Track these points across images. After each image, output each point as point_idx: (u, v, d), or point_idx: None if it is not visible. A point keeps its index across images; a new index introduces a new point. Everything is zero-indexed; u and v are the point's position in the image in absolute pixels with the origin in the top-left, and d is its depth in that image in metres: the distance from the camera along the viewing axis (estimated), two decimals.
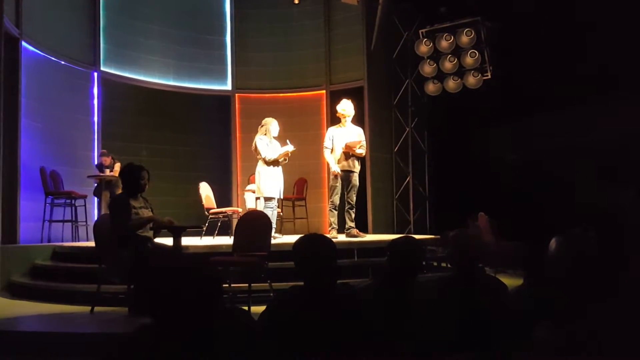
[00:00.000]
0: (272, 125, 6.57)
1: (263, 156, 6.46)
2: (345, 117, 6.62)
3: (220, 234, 7.43)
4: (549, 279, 2.06)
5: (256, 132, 6.70)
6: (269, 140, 6.54)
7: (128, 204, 4.40)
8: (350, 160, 6.56)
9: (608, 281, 1.88)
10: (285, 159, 6.58)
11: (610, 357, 1.70)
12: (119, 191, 7.26)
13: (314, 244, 2.24)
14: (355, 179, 6.61)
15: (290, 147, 6.50)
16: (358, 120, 7.08)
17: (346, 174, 6.55)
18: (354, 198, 6.62)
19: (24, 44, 7.08)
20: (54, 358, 3.60)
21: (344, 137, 6.56)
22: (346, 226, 6.62)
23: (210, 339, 1.56)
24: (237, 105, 9.76)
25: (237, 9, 9.79)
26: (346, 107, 6.63)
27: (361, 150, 6.59)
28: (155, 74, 9.20)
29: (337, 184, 6.56)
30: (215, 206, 7.62)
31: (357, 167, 6.63)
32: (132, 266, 4.20)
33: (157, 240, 4.66)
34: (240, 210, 7.93)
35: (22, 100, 6.95)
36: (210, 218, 7.38)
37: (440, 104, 8.82)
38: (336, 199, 6.59)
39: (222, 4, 9.85)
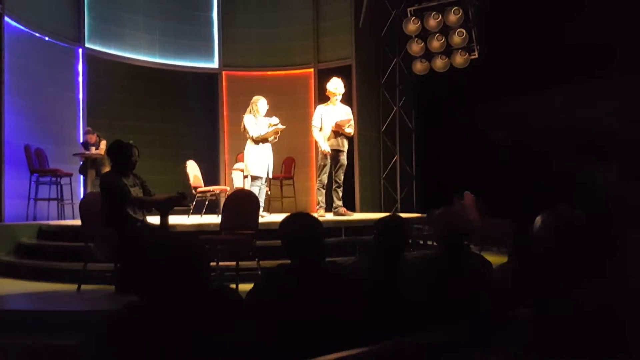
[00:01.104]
0: (259, 103, 6.52)
1: (251, 135, 6.44)
2: (335, 96, 6.59)
3: (207, 212, 7.43)
4: (535, 256, 2.09)
5: (244, 110, 6.65)
6: (256, 118, 6.50)
7: (120, 180, 4.36)
8: (339, 139, 6.55)
9: (596, 259, 1.90)
10: (275, 137, 6.56)
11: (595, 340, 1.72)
12: (105, 169, 7.22)
13: (300, 222, 2.26)
14: (344, 158, 6.62)
15: (275, 120, 6.46)
16: (346, 99, 7.05)
17: (335, 153, 6.55)
18: (342, 177, 6.63)
19: (6, 19, 6.92)
20: (41, 336, 3.60)
21: (333, 115, 6.54)
22: (334, 205, 6.66)
23: (198, 316, 1.57)
24: (224, 83, 9.67)
25: None
26: (337, 86, 6.59)
27: (350, 130, 6.59)
28: (141, 51, 9.06)
29: (326, 163, 6.56)
30: (203, 185, 7.59)
31: (345, 146, 6.63)
32: (119, 245, 4.20)
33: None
34: (227, 189, 7.92)
35: (6, 76, 6.83)
36: (198, 197, 7.36)
37: (427, 83, 8.81)
38: (324, 177, 6.60)
39: None
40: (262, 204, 6.42)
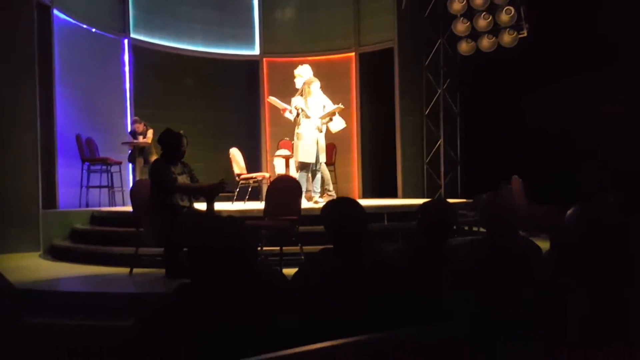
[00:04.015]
0: (313, 85, 6.51)
1: (290, 110, 6.47)
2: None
3: (250, 199, 7.53)
4: (569, 244, 2.01)
5: (284, 96, 6.67)
6: (306, 101, 6.47)
7: (168, 168, 4.47)
8: None
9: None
10: (330, 119, 6.56)
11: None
12: (153, 157, 7.41)
13: (342, 207, 2.24)
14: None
15: (340, 105, 6.47)
16: (388, 81, 6.95)
17: None
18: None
19: (55, 12, 7.14)
20: (95, 317, 3.74)
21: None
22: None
23: (246, 297, 1.60)
24: (265, 70, 9.72)
25: None
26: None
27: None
28: (184, 40, 9.21)
29: None
30: (246, 172, 7.69)
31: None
32: (166, 230, 4.31)
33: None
34: (268, 175, 7.99)
35: (56, 68, 7.06)
36: (241, 184, 7.46)
37: (473, 64, 8.58)
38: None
39: None
40: (317, 189, 6.47)
